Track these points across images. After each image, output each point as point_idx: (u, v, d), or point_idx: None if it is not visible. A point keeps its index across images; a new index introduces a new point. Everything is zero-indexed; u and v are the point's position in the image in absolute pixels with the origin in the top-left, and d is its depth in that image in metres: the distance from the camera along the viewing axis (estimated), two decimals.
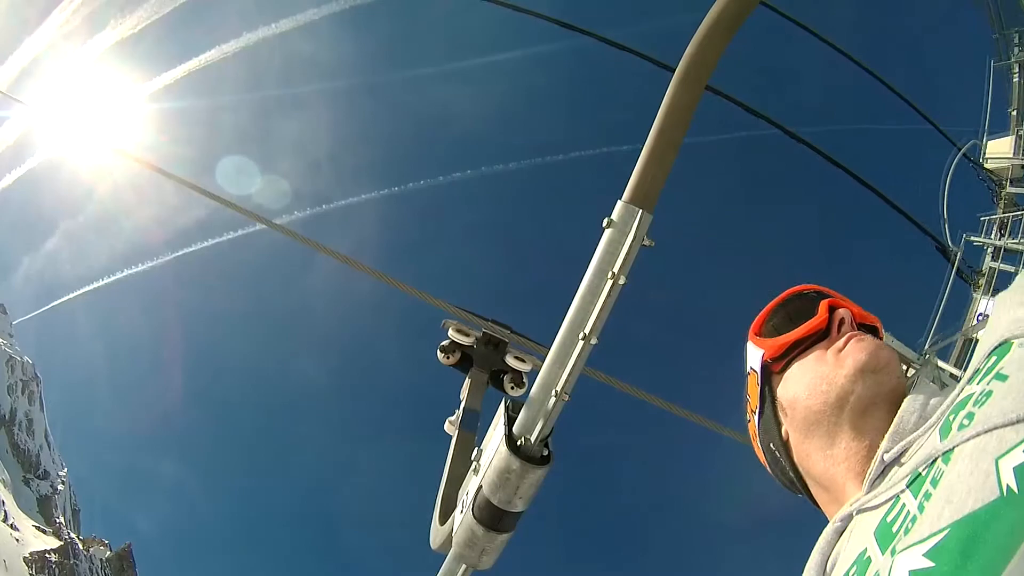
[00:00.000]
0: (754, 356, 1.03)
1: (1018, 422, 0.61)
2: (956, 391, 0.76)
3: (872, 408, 0.87)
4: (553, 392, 1.27)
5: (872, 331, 0.98)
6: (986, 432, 0.63)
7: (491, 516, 1.34)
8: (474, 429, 2.29)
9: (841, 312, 0.96)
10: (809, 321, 0.97)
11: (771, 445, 1.01)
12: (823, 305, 0.97)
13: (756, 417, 1.04)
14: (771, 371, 1.00)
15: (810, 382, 0.93)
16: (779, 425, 0.99)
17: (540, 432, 1.29)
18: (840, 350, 0.92)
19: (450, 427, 2.37)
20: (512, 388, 2.68)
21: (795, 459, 0.97)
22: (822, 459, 0.90)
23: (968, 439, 0.65)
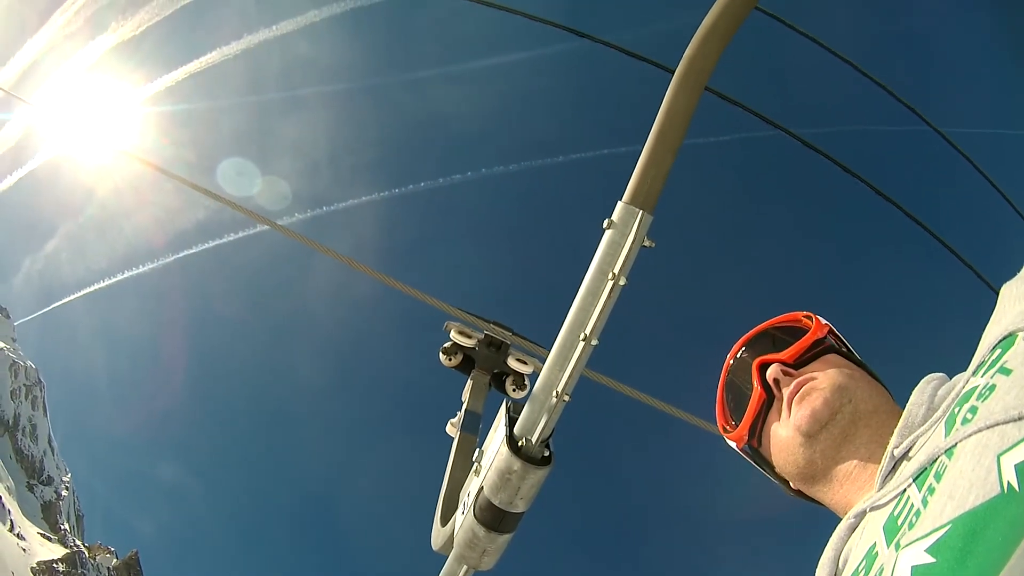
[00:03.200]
0: (731, 444, 1.10)
1: (1020, 419, 0.61)
2: (961, 383, 0.76)
3: (845, 444, 0.88)
4: (554, 393, 1.28)
5: (820, 344, 0.99)
6: (988, 428, 0.63)
7: (492, 517, 1.34)
8: (475, 431, 2.29)
9: (772, 372, 0.98)
10: (749, 402, 1.01)
11: (788, 493, 1.05)
12: (755, 372, 1.00)
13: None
14: (753, 447, 1.05)
15: (779, 453, 0.98)
16: (785, 482, 1.03)
17: (541, 433, 1.30)
18: (789, 417, 0.94)
19: (452, 429, 2.36)
20: (514, 390, 2.68)
21: (812, 497, 0.99)
22: (830, 492, 0.92)
23: (971, 434, 0.65)
